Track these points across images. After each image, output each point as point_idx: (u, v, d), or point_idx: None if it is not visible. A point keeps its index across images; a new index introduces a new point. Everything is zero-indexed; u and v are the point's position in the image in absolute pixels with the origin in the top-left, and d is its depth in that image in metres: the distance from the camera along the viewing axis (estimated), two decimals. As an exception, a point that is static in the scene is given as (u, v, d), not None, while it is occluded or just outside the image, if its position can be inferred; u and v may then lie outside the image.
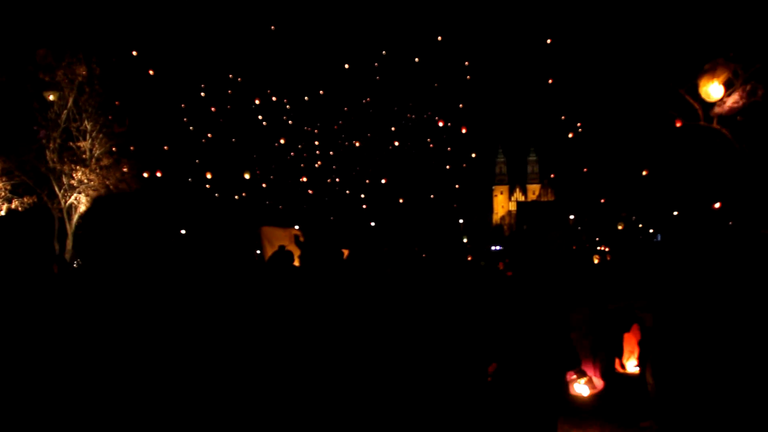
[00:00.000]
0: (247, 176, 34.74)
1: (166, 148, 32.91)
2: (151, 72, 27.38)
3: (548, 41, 29.68)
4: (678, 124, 22.50)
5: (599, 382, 7.04)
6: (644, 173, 33.43)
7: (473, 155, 53.65)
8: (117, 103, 28.13)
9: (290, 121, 41.07)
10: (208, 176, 35.99)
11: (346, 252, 6.69)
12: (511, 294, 3.75)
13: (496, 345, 3.66)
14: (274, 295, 4.09)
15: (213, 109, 34.87)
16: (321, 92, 39.72)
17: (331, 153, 49.11)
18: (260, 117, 38.12)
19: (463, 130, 38.27)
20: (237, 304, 3.87)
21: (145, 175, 28.45)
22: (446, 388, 3.56)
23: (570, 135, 33.71)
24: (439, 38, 33.71)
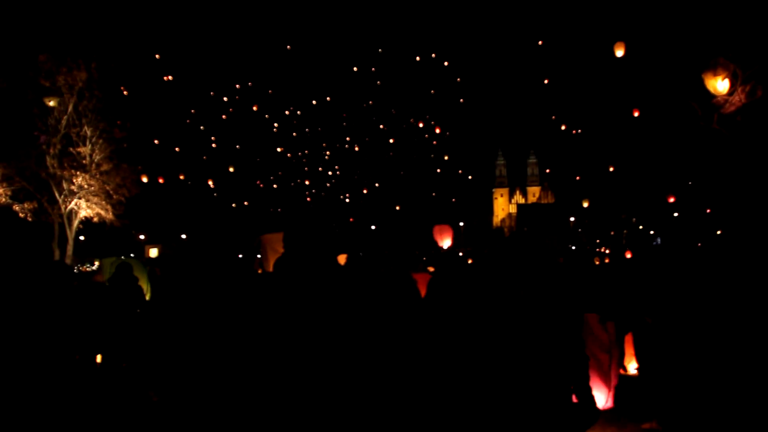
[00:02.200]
0: (231, 170, 34.80)
1: (177, 149, 32.96)
2: (167, 78, 27.46)
3: (539, 43, 29.77)
4: (636, 114, 22.44)
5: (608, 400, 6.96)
6: (610, 169, 33.39)
7: (446, 157, 53.14)
8: (118, 107, 28.21)
9: (294, 133, 41.21)
10: (210, 183, 36.06)
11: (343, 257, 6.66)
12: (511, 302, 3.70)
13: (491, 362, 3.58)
14: (276, 300, 4.08)
15: (224, 117, 35.00)
16: (328, 98, 39.91)
17: (335, 164, 49.29)
18: (275, 124, 38.36)
19: (437, 131, 38.34)
20: (238, 308, 3.87)
21: (144, 179, 28.43)
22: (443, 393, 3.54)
23: (563, 127, 33.73)
24: (433, 55, 33.92)
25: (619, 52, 18.16)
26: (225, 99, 35.60)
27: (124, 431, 5.22)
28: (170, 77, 27.85)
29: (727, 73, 11.59)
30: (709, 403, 3.28)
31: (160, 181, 29.87)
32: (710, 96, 13.09)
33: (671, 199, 33.06)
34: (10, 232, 2.72)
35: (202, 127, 36.28)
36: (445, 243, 14.96)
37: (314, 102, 38.66)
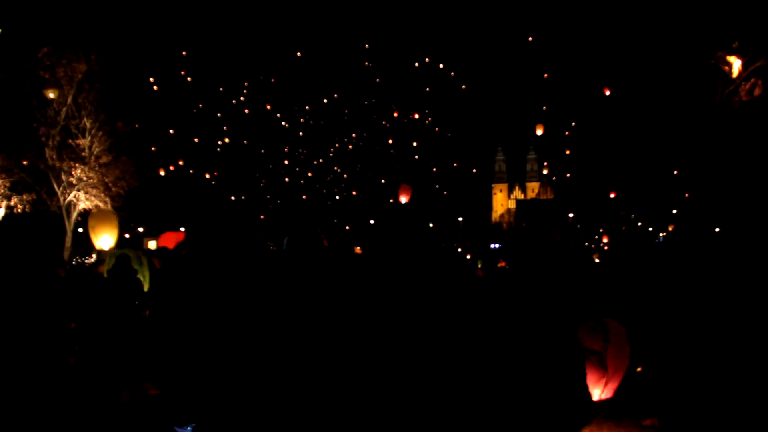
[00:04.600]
0: (227, 140, 34.78)
1: (196, 140, 32.96)
2: (189, 79, 27.48)
3: (530, 39, 29.90)
4: (606, 92, 22.49)
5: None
6: (612, 195, 33.70)
7: (414, 143, 52.75)
8: (118, 100, 28.16)
9: (301, 132, 41.22)
10: (207, 176, 36.08)
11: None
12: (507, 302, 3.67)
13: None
14: (275, 293, 4.07)
15: (247, 111, 34.92)
16: (335, 95, 40.04)
17: (336, 158, 49.36)
18: (284, 122, 38.46)
19: (416, 116, 38.44)
20: (238, 300, 3.85)
21: (162, 173, 28.44)
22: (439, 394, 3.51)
23: (537, 129, 34.05)
24: (428, 60, 33.92)
25: (539, 131, 20.92)
26: (223, 91, 35.58)
27: (120, 425, 5.23)
28: (188, 75, 27.88)
29: (742, 61, 11.56)
30: (710, 402, 3.27)
31: (171, 168, 29.86)
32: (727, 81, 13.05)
33: (612, 195, 33.27)
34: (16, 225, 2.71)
35: (216, 116, 36.29)
36: (403, 199, 16.36)
37: (325, 101, 38.73)
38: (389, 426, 3.71)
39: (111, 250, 11.95)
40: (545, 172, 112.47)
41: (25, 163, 25.94)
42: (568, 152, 35.18)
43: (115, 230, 11.20)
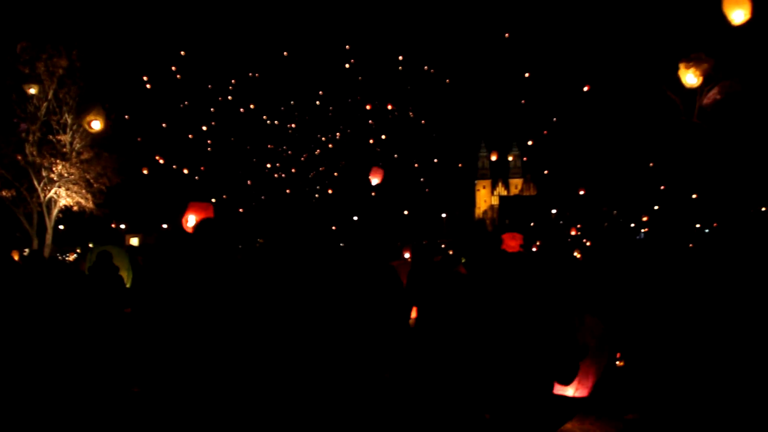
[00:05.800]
0: (204, 128, 34.69)
1: (191, 135, 32.67)
2: (178, 76, 27.25)
3: (506, 35, 30.10)
4: (586, 89, 22.72)
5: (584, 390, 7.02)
6: (581, 192, 33.82)
7: (383, 136, 52.75)
8: (102, 98, 27.90)
9: (285, 128, 41.03)
10: (186, 172, 35.77)
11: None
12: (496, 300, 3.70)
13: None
14: (257, 289, 4.09)
15: (242, 110, 34.59)
16: (321, 92, 39.85)
17: (319, 155, 49.28)
18: (269, 120, 38.30)
19: (389, 107, 38.56)
20: (220, 297, 3.86)
21: (145, 171, 28.23)
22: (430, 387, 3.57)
23: (545, 132, 34.14)
24: (426, 69, 33.94)
25: (493, 158, 22.40)
26: (211, 87, 35.37)
27: (106, 423, 5.21)
28: (175, 72, 27.62)
29: (702, 69, 11.68)
30: (692, 396, 3.34)
31: (161, 161, 29.61)
32: (691, 91, 13.23)
33: (581, 192, 33.61)
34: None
35: (201, 113, 36.07)
36: (374, 181, 17.20)
37: (318, 102, 38.56)
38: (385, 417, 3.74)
39: (93, 247, 11.94)
40: (510, 158, 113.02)
41: (18, 158, 25.65)
42: (530, 143, 35.30)
43: (101, 113, 12.75)
